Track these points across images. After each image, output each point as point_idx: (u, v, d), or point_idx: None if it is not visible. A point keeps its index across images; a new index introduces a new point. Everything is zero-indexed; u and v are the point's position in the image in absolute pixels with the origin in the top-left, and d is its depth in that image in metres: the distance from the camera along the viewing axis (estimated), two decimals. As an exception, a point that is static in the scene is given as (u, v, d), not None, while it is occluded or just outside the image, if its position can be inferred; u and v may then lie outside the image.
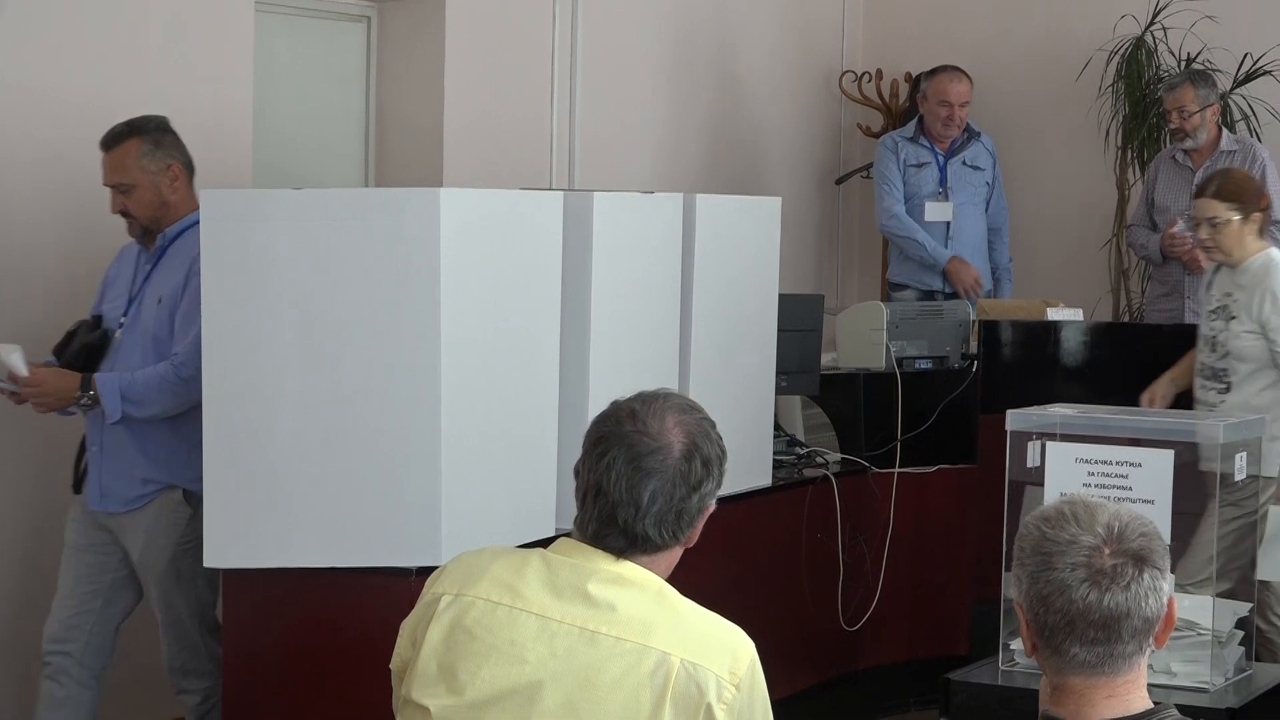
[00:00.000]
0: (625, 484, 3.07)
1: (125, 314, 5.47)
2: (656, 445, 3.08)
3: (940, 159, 8.56)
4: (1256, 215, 6.38)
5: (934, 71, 8.67)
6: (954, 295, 8.36)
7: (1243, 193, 6.40)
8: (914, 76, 9.47)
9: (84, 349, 5.46)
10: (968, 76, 8.60)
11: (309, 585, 5.07)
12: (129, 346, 5.47)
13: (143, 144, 5.47)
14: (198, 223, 5.12)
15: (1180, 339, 7.26)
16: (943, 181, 8.55)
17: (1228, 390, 6.38)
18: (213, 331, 5.05)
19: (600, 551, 3.09)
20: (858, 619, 6.60)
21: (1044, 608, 2.68)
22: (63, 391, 5.34)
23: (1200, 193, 6.48)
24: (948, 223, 8.51)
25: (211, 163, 6.23)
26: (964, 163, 8.60)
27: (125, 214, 5.46)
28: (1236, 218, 6.34)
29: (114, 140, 5.45)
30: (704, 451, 3.11)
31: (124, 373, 5.38)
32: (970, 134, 8.66)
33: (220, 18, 6.39)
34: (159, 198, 5.50)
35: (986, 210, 8.68)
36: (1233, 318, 6.39)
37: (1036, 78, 9.37)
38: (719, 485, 3.16)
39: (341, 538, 5.02)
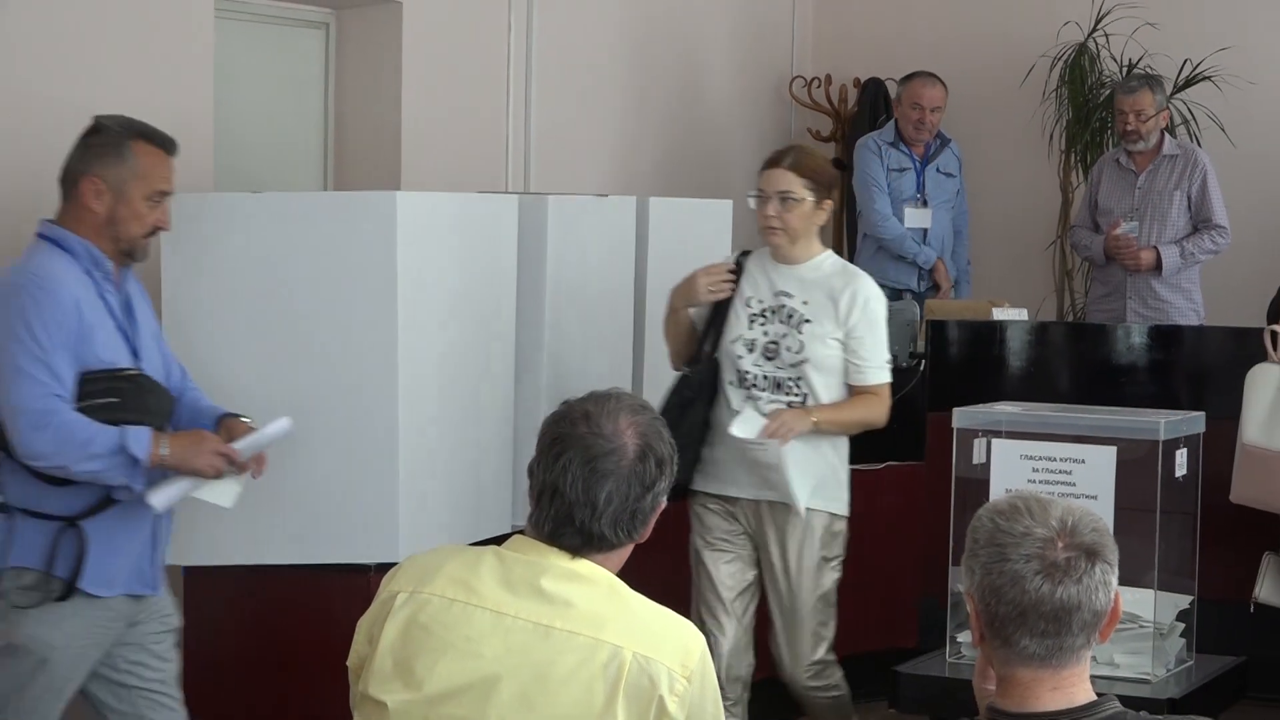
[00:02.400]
0: (582, 485, 3.11)
1: (138, 358, 4.62)
2: (612, 447, 3.12)
3: (918, 165, 8.64)
4: (827, 204, 5.55)
5: (908, 76, 8.74)
6: (926, 293, 8.46)
7: (820, 173, 5.55)
8: (863, 82, 9.56)
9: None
10: (942, 83, 8.66)
11: (268, 582, 5.11)
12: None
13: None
14: None
15: (1123, 338, 7.37)
16: (920, 188, 8.63)
17: (803, 403, 5.49)
18: (172, 332, 5.09)
19: (554, 549, 3.13)
20: (808, 614, 6.65)
21: (996, 598, 2.72)
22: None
23: (773, 162, 5.57)
24: (925, 229, 8.60)
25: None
26: (939, 170, 8.67)
27: (156, 232, 4.67)
28: (810, 199, 5.49)
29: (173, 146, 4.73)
30: (657, 451, 3.16)
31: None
32: (942, 140, 8.73)
33: (180, 23, 6.40)
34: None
35: (951, 216, 8.78)
36: (807, 321, 5.50)
37: (982, 83, 9.43)
38: (671, 483, 3.20)
39: (300, 535, 5.06)
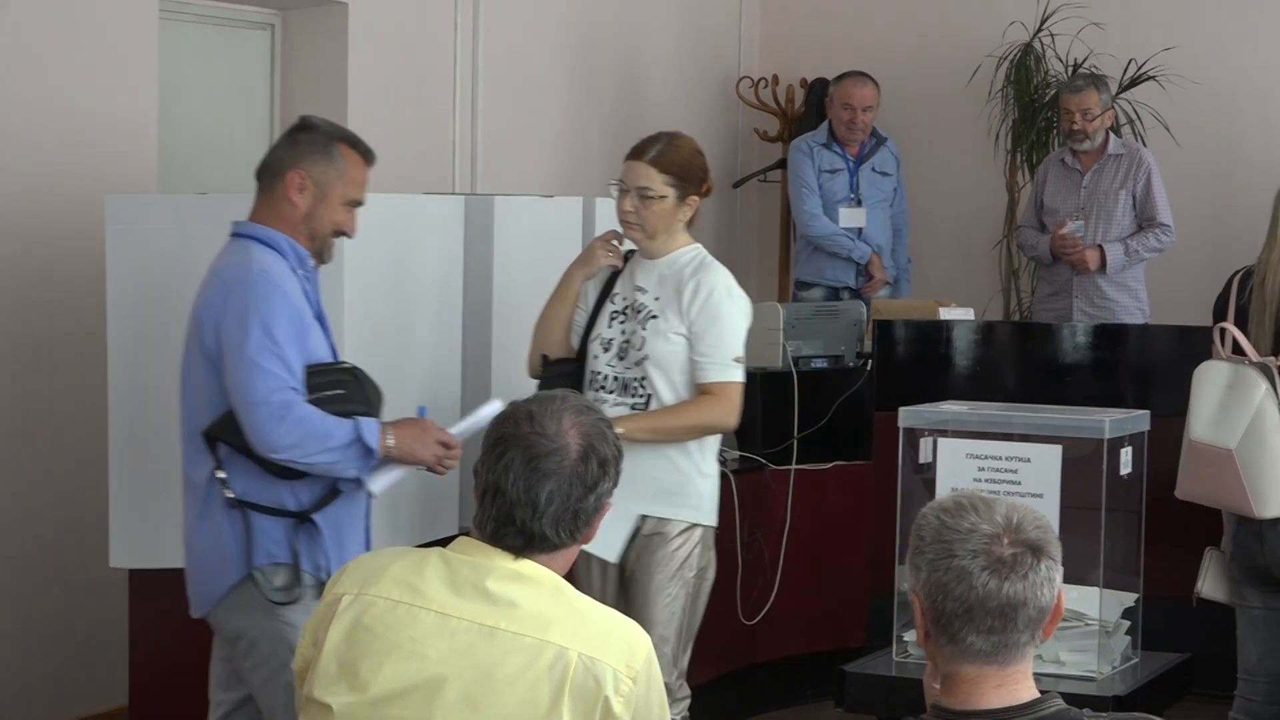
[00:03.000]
0: (523, 485, 3.11)
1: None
2: (554, 447, 3.12)
3: (851, 165, 8.66)
4: (693, 200, 5.21)
5: (839, 77, 8.76)
6: (861, 293, 8.49)
7: (686, 169, 5.18)
8: (809, 82, 9.59)
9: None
10: (874, 82, 8.68)
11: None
12: None
13: None
14: None
15: (1069, 337, 7.41)
16: (854, 188, 8.64)
17: (646, 405, 5.14)
18: (117, 334, 5.08)
19: (498, 550, 3.13)
20: (756, 613, 6.66)
21: (943, 595, 2.73)
22: None
23: (636, 154, 5.19)
24: (860, 228, 8.61)
25: (117, 169, 6.26)
26: (873, 169, 8.69)
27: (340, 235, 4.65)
28: (672, 195, 5.15)
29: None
30: (600, 452, 3.16)
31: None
32: (878, 140, 8.75)
33: (125, 25, 6.39)
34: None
35: (890, 215, 8.80)
36: (653, 317, 5.17)
37: (929, 83, 9.47)
38: (615, 484, 3.20)
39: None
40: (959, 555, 2.73)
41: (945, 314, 7.65)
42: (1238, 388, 4.86)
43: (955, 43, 9.33)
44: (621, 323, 5.20)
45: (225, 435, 4.39)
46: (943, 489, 5.72)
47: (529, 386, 5.07)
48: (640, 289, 5.18)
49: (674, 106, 9.31)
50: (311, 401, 4.38)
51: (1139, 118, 8.84)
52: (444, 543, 3.25)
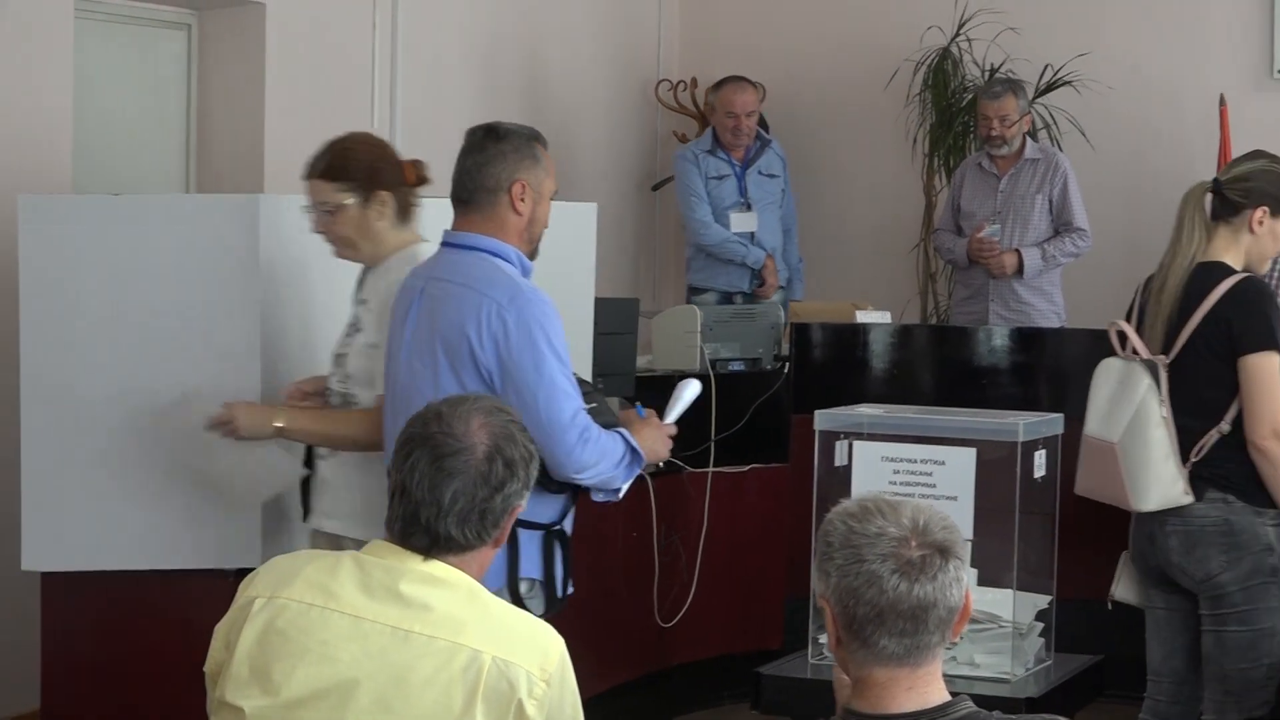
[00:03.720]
0: (428, 484, 3.13)
1: None
2: (460, 446, 3.14)
3: (738, 170, 8.67)
4: (383, 195, 4.82)
5: (720, 83, 8.75)
6: (754, 297, 8.51)
7: (360, 168, 4.82)
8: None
9: None
10: (754, 86, 8.69)
11: (127, 588, 5.07)
12: None
13: None
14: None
15: (985, 340, 7.44)
16: (743, 192, 8.66)
17: None
18: (30, 335, 5.05)
19: (410, 552, 3.14)
20: (673, 616, 6.67)
21: (854, 600, 2.75)
22: None
23: (308, 173, 4.84)
24: (752, 232, 8.62)
25: (30, 169, 6.22)
26: (760, 172, 8.70)
27: None
28: (353, 200, 4.76)
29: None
30: (506, 453, 3.16)
31: None
32: (763, 142, 8.75)
33: (40, 24, 6.35)
34: None
35: (779, 215, 8.80)
36: (358, 330, 4.79)
37: (847, 87, 9.50)
38: (526, 487, 3.21)
39: (159, 540, 5.03)
40: (868, 559, 2.75)
41: (862, 317, 7.68)
42: (1126, 383, 4.93)
43: (873, 47, 9.37)
44: (349, 336, 4.83)
45: None
46: (858, 491, 5.73)
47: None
48: (362, 300, 4.82)
49: (592, 109, 9.32)
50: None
51: (1055, 122, 8.90)
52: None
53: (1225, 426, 4.87)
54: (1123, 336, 5.01)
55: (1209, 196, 4.98)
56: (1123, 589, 5.23)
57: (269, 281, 5.04)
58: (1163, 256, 5.02)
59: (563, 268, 6.25)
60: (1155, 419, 4.86)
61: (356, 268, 4.95)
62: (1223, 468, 4.88)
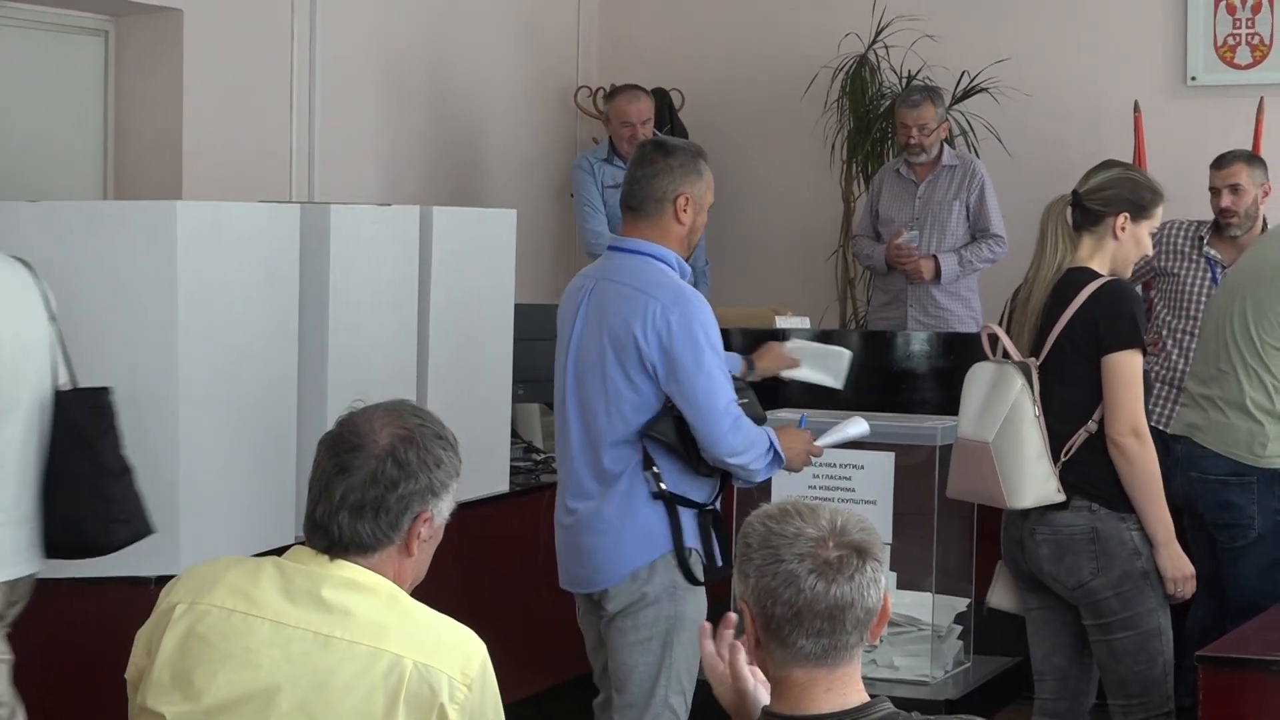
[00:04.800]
0: (324, 481, 3.14)
1: None
2: (355, 444, 3.14)
3: None
4: None
5: (614, 92, 8.71)
6: None
7: None
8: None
9: None
10: (648, 94, 8.65)
11: (46, 596, 5.03)
12: None
13: None
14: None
15: (903, 345, 7.49)
16: None
17: None
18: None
19: (335, 559, 3.13)
20: (594, 621, 6.68)
21: (772, 599, 2.78)
22: None
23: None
24: None
25: (-55, 176, 6.18)
26: None
27: None
28: None
29: None
30: (401, 454, 3.14)
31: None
32: None
33: (-47, 30, 6.32)
34: None
35: None
36: None
37: (765, 94, 9.53)
38: (432, 491, 3.17)
39: (79, 548, 5.01)
40: (786, 559, 2.78)
41: (781, 322, 7.72)
42: (999, 385, 5.00)
43: (791, 54, 9.39)
44: None
45: (662, 435, 4.87)
46: (778, 496, 5.75)
47: (371, 394, 5.04)
48: None
49: (512, 116, 9.32)
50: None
51: (972, 129, 8.95)
52: (280, 552, 3.25)
53: (1093, 426, 4.95)
54: (993, 340, 5.09)
55: (1069, 209, 5.08)
56: (998, 596, 5.30)
57: (187, 287, 5.02)
58: (1028, 269, 5.11)
59: (482, 274, 6.27)
60: (1028, 418, 4.93)
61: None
62: (1089, 472, 4.95)
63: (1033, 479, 4.93)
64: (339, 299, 5.57)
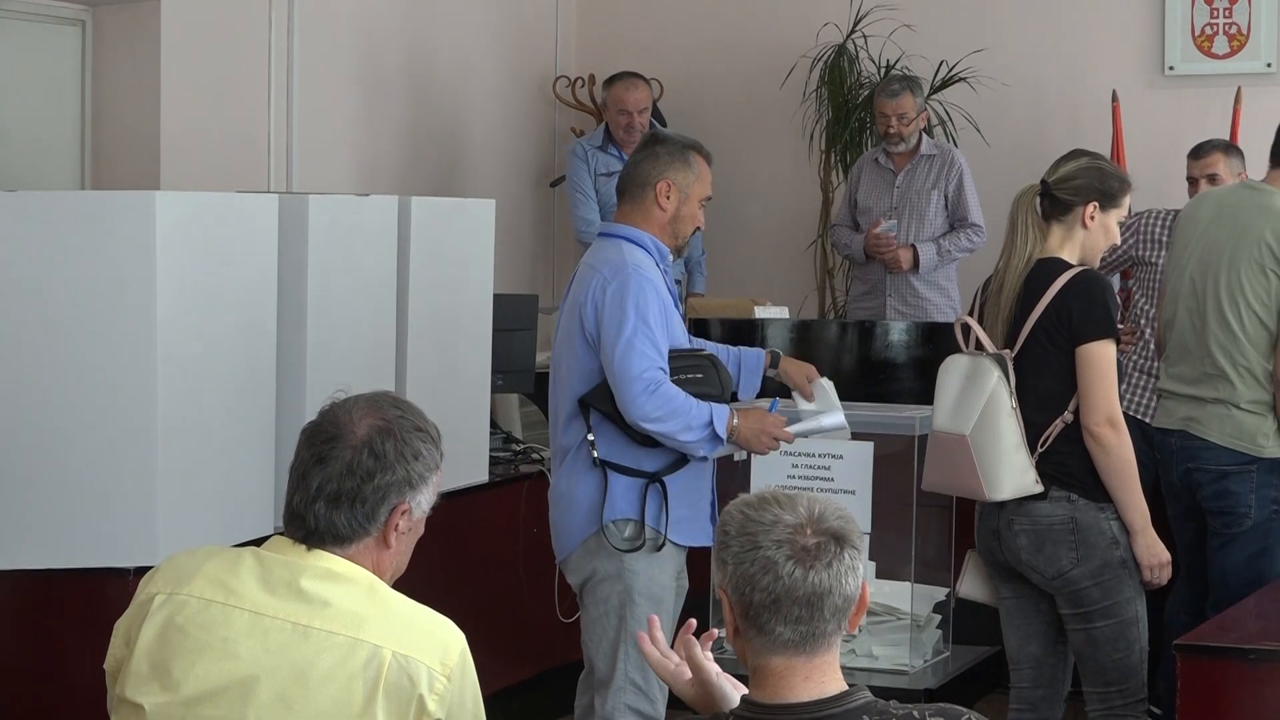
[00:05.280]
0: (300, 471, 3.15)
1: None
2: (332, 435, 3.14)
3: None
4: None
5: (611, 80, 8.69)
6: None
7: None
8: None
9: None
10: (645, 81, 8.66)
11: (24, 587, 5.04)
12: None
13: None
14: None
15: (882, 335, 7.50)
16: None
17: None
18: (-75, 333, 5.01)
19: (313, 549, 3.14)
20: (574, 611, 6.67)
21: (750, 586, 2.78)
22: None
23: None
24: None
25: (-78, 165, 6.16)
26: None
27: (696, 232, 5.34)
28: None
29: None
30: (378, 445, 3.14)
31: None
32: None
33: (-70, 20, 6.30)
34: None
35: None
36: None
37: (744, 83, 9.54)
38: (409, 483, 3.17)
39: (57, 539, 4.99)
40: (764, 546, 2.78)
41: (760, 312, 7.72)
42: (973, 378, 5.01)
43: (770, 44, 9.40)
44: None
45: (597, 403, 5.05)
46: (757, 486, 5.76)
47: (349, 383, 5.05)
48: None
49: (491, 106, 9.32)
50: (674, 382, 5.01)
51: (950, 119, 8.96)
52: (258, 542, 3.25)
53: (1069, 416, 4.95)
54: (966, 331, 5.10)
55: (1038, 199, 5.11)
56: (968, 586, 5.30)
57: (166, 277, 5.01)
58: (998, 260, 5.12)
59: (461, 264, 6.26)
60: (1006, 409, 4.94)
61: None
62: (1065, 462, 4.96)
63: (1011, 470, 4.94)
64: (317, 289, 5.56)
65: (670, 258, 5.22)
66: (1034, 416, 4.96)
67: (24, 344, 4.98)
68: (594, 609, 5.19)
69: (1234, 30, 8.84)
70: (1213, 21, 8.85)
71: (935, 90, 8.92)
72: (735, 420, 5.05)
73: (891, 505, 5.98)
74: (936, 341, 7.50)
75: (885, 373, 7.46)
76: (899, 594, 6.04)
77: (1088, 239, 5.07)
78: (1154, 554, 4.98)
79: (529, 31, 9.63)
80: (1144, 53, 8.97)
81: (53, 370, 4.96)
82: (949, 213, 8.26)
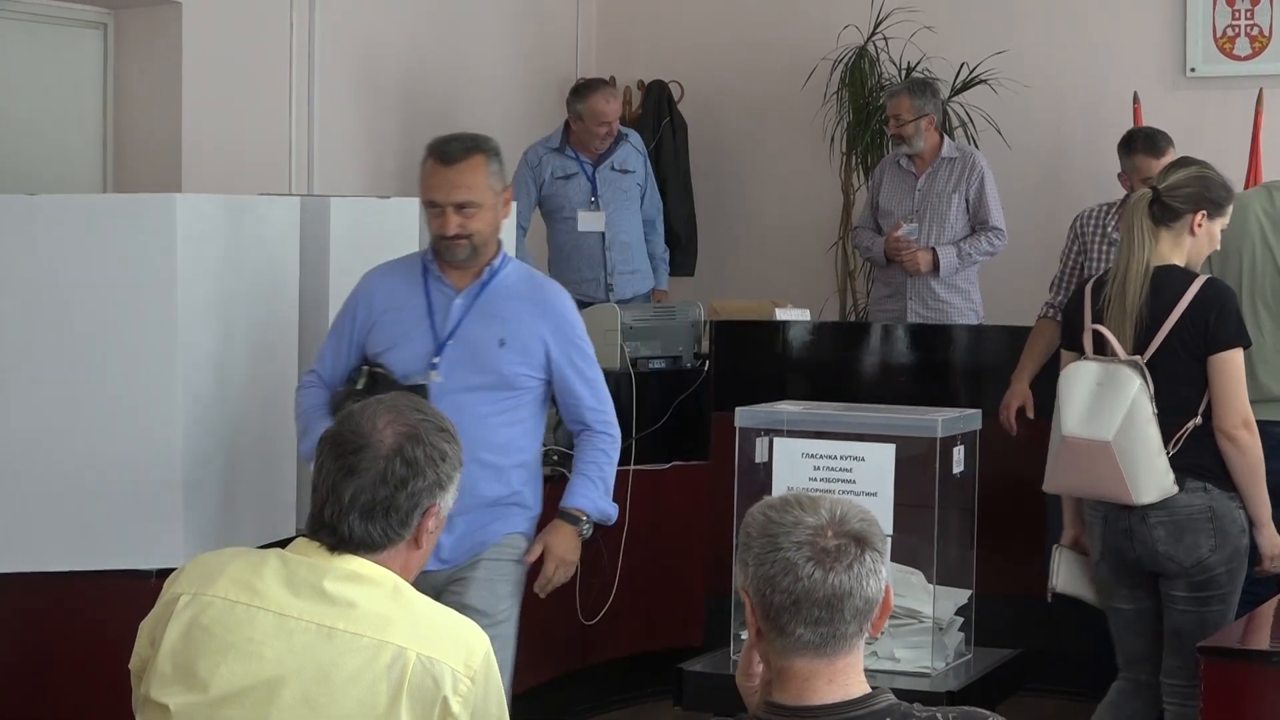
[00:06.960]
0: (330, 481, 3.14)
1: (438, 356, 4.98)
2: (362, 444, 3.14)
3: (588, 169, 8.43)
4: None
5: (585, 90, 8.50)
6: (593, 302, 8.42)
7: None
8: (646, 84, 9.60)
9: None
10: (613, 87, 8.65)
11: (49, 589, 5.05)
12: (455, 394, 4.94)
13: (490, 162, 5.02)
14: (511, 261, 5.11)
15: (903, 338, 7.48)
16: (594, 191, 8.45)
17: None
18: (-53, 338, 5.02)
19: (337, 552, 3.14)
20: (595, 613, 6.68)
21: (770, 588, 2.77)
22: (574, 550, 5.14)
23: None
24: (602, 232, 8.42)
25: (-55, 169, 6.18)
26: (613, 168, 8.47)
27: (460, 237, 4.95)
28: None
29: (463, 153, 4.99)
30: (408, 452, 3.15)
31: (587, 477, 5.18)
32: (617, 138, 8.52)
33: (-48, 23, 6.31)
34: (496, 223, 5.03)
35: (641, 207, 8.62)
36: None
37: (764, 86, 9.53)
38: (440, 485, 3.19)
39: (81, 541, 5.01)
40: (784, 548, 2.78)
41: (781, 315, 7.71)
42: (1109, 384, 5.13)
43: (791, 46, 9.39)
44: None
45: None
46: (779, 488, 5.77)
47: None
48: None
49: (511, 108, 9.32)
50: (338, 392, 4.95)
51: (971, 121, 8.95)
52: (282, 544, 3.26)
53: (1199, 419, 5.12)
54: (1073, 334, 5.24)
55: (1149, 206, 5.20)
56: (1064, 581, 5.44)
57: (187, 280, 5.02)
58: (1114, 262, 5.25)
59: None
60: (1147, 415, 5.10)
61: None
62: (1199, 458, 5.12)
63: (1153, 474, 5.10)
64: (339, 291, 5.56)
65: (435, 265, 5.00)
66: (1167, 419, 5.11)
67: (46, 346, 4.99)
68: None
69: (1256, 32, 8.82)
70: (1234, 23, 8.83)
71: (956, 92, 8.91)
72: None
73: (913, 507, 5.96)
74: (958, 344, 7.49)
75: (906, 375, 7.44)
76: (919, 594, 6.01)
77: (1194, 245, 5.23)
78: (1276, 544, 5.20)
79: (549, 35, 9.63)
80: (1165, 54, 8.95)
81: (74, 372, 4.98)
82: (970, 215, 8.24)
